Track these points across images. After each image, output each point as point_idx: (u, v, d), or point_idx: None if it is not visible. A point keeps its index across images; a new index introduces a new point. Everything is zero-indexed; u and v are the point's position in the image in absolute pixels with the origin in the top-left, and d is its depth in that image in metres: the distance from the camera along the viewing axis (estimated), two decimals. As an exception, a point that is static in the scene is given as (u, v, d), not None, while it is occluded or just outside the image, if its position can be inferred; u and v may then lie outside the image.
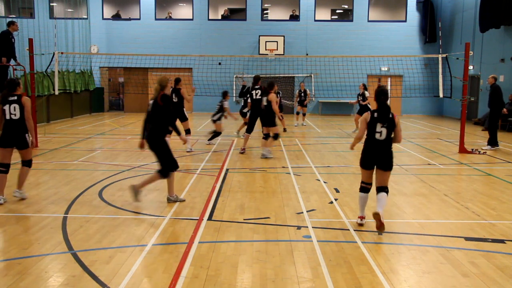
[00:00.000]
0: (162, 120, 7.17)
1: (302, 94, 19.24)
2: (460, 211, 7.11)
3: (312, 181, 9.03)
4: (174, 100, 12.28)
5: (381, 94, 6.07)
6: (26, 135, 7.30)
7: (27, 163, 7.53)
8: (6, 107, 7.14)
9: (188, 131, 12.54)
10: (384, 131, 6.04)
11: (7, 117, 7.16)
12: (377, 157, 6.09)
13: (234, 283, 4.55)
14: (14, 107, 7.13)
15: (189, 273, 4.72)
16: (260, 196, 7.84)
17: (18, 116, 7.16)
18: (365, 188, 6.27)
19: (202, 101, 25.19)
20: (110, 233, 5.87)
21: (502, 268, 4.95)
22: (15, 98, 7.19)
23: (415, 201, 7.66)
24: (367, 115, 6.12)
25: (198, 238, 5.72)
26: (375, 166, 6.15)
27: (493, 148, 13.20)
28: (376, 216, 5.86)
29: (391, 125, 6.07)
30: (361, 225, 6.26)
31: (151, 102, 7.21)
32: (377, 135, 6.05)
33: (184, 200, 7.43)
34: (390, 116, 6.06)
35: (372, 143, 6.11)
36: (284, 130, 16.52)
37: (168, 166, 7.22)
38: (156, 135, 7.15)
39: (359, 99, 16.77)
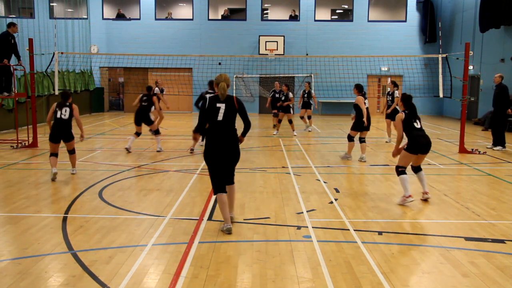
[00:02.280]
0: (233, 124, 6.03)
1: (306, 95, 17.41)
2: (460, 211, 7.11)
3: (312, 181, 9.03)
4: (144, 104, 12.32)
5: (411, 99, 7.68)
6: (71, 130, 9.24)
7: (72, 151, 9.47)
8: (58, 109, 9.06)
9: (157, 131, 12.55)
10: (418, 121, 7.57)
11: (58, 116, 9.03)
12: (425, 143, 7.39)
13: (234, 283, 4.55)
14: (66, 110, 9.09)
15: (189, 273, 4.72)
16: (260, 196, 7.84)
17: (67, 117, 9.09)
18: (404, 171, 7.44)
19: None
20: (110, 233, 5.87)
21: (502, 268, 4.95)
22: (67, 103, 9.20)
23: (415, 201, 7.65)
24: (401, 115, 7.51)
25: (198, 238, 5.72)
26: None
27: (504, 149, 13.13)
28: (427, 194, 7.62)
29: (419, 118, 7.67)
30: (412, 200, 7.38)
31: (221, 105, 5.88)
32: (415, 124, 7.47)
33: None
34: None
35: (417, 132, 7.42)
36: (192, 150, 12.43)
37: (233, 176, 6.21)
38: (237, 141, 6.05)
39: (388, 100, 14.62)
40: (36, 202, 7.35)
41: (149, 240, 5.66)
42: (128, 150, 12.12)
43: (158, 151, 12.33)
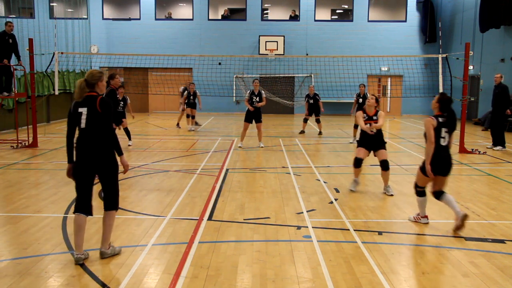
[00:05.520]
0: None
1: (311, 101, 16.65)
2: (460, 211, 7.10)
3: (312, 181, 9.03)
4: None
5: (450, 102, 6.19)
6: None
7: None
8: None
9: None
10: (447, 136, 6.13)
11: None
12: (443, 163, 6.14)
13: (234, 283, 4.55)
14: None
15: (189, 273, 4.72)
16: (260, 196, 7.84)
17: None
18: (423, 192, 6.39)
19: (203, 101, 25.13)
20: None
21: (502, 268, 4.95)
22: None
23: (415, 201, 7.63)
24: (433, 121, 6.05)
25: (198, 238, 5.72)
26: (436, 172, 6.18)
27: (503, 149, 13.14)
28: (466, 217, 6.01)
29: (453, 130, 6.23)
30: (427, 223, 6.42)
31: (83, 109, 4.95)
32: (442, 141, 6.09)
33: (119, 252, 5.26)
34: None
35: (439, 149, 6.11)
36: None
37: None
38: (106, 154, 5.01)
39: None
40: (36, 202, 7.35)
41: (149, 240, 5.66)
42: None
43: None
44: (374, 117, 8.00)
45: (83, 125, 4.92)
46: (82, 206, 4.99)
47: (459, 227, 6.01)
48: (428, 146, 6.10)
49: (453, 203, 6.16)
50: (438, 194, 6.28)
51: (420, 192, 6.41)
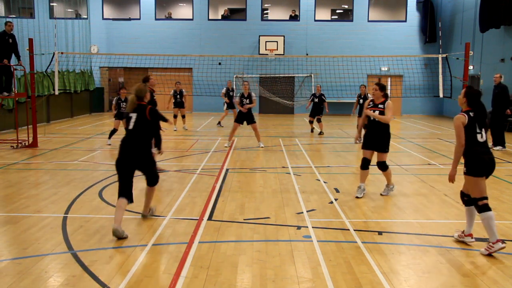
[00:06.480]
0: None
1: (317, 100, 16.77)
2: (460, 211, 7.09)
3: (312, 181, 9.03)
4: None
5: (479, 95, 5.51)
6: None
7: None
8: None
9: None
10: (483, 131, 5.41)
11: None
12: (487, 161, 5.36)
13: (234, 283, 4.55)
14: None
15: (189, 273, 4.72)
16: (260, 196, 7.84)
17: None
18: (487, 205, 5.30)
19: (203, 101, 25.22)
20: (110, 233, 5.85)
21: (502, 268, 4.95)
22: None
23: (415, 201, 7.66)
24: (463, 118, 5.37)
25: (198, 238, 5.72)
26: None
27: (504, 149, 13.15)
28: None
29: (484, 126, 5.49)
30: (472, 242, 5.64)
31: (133, 114, 6.06)
32: (479, 137, 5.38)
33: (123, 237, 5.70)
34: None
35: (478, 146, 5.38)
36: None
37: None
38: (145, 151, 6.12)
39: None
40: (36, 202, 7.35)
41: (149, 240, 5.66)
42: None
43: None
44: (380, 106, 7.62)
45: (131, 126, 6.01)
46: (125, 192, 5.93)
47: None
48: (456, 147, 5.40)
49: (493, 228, 5.27)
50: (484, 207, 5.29)
51: (483, 206, 5.28)
